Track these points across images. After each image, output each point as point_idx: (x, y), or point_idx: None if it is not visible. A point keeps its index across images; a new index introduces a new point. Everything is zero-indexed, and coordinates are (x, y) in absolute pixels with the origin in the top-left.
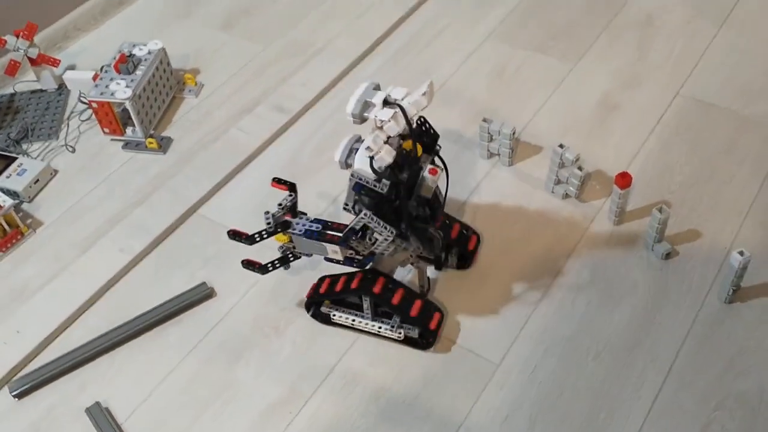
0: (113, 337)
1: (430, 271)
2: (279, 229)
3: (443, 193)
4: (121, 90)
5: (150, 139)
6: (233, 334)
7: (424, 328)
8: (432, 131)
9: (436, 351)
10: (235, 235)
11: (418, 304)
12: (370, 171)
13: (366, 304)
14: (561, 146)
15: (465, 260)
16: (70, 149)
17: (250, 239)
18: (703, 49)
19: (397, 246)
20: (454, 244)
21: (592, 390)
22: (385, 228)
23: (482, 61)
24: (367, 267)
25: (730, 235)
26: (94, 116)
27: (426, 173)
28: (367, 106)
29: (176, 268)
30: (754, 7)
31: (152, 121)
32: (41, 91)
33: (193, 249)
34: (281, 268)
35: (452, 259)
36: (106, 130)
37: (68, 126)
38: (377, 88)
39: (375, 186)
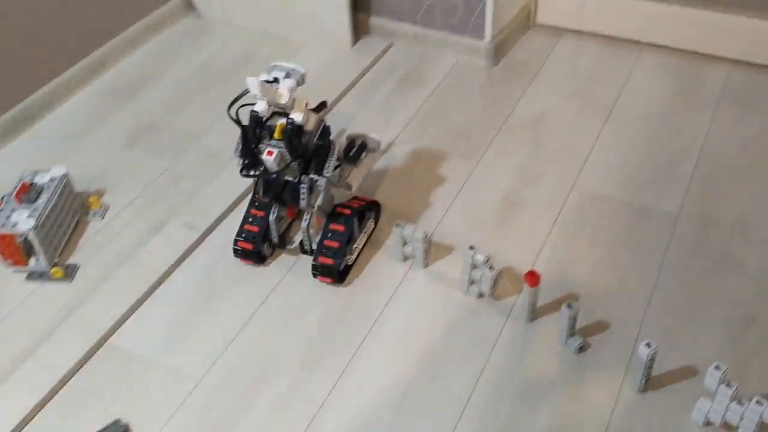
0: None
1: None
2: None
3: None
4: (23, 221)
5: (55, 269)
6: None
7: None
8: (298, 139)
9: None
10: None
11: None
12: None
13: None
14: (471, 248)
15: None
16: None
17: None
18: (592, 143)
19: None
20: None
21: None
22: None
23: (390, 164)
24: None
25: (636, 324)
26: None
27: (264, 154)
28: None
29: (88, 405)
30: (632, 102)
31: (57, 249)
32: None
33: (106, 383)
34: None
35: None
36: (9, 261)
37: None
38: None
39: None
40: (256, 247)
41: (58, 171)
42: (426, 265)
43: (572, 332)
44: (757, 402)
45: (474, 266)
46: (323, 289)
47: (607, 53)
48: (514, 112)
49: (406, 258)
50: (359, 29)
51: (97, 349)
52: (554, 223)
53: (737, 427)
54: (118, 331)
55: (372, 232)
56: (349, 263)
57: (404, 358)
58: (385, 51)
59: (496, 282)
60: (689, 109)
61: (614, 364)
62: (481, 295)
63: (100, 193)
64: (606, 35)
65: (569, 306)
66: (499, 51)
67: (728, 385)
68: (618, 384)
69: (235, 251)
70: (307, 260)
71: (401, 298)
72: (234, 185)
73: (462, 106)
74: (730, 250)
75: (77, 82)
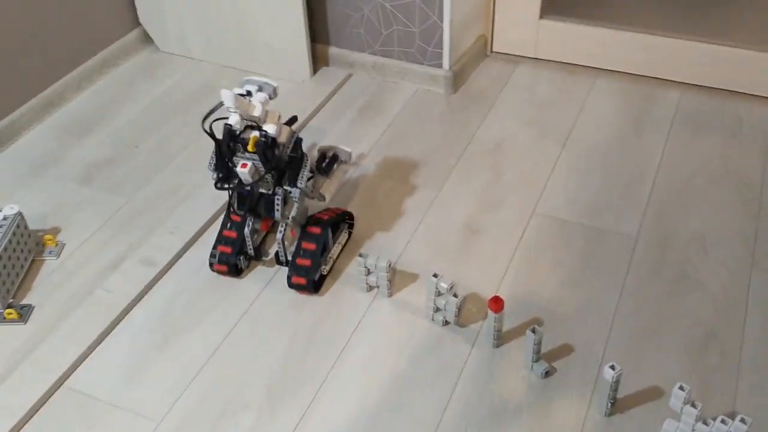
0: None
1: None
2: None
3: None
4: None
5: (8, 310)
6: None
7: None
8: (272, 151)
9: None
10: None
11: None
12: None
13: None
14: (435, 275)
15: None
16: None
17: None
18: (551, 168)
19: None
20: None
21: None
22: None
23: (353, 193)
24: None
25: (600, 346)
26: None
27: (239, 166)
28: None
29: None
30: (588, 127)
31: (10, 290)
32: None
33: (64, 426)
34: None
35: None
36: None
37: None
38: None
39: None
40: (232, 257)
41: (10, 210)
42: (390, 295)
43: (537, 357)
44: (722, 421)
45: (438, 294)
46: (287, 321)
47: (563, 80)
48: (474, 139)
49: (370, 288)
50: (318, 60)
51: (54, 391)
52: (516, 248)
53: None
54: (75, 372)
55: (346, 242)
56: (324, 273)
57: (370, 389)
58: (344, 81)
59: (460, 309)
60: (644, 133)
61: (580, 388)
62: (446, 323)
63: (55, 231)
64: (561, 62)
65: (534, 331)
66: (457, 79)
67: (693, 405)
68: (585, 408)
69: (212, 264)
70: (273, 292)
71: (366, 329)
72: (194, 219)
73: (422, 134)
74: (688, 269)
75: (31, 118)
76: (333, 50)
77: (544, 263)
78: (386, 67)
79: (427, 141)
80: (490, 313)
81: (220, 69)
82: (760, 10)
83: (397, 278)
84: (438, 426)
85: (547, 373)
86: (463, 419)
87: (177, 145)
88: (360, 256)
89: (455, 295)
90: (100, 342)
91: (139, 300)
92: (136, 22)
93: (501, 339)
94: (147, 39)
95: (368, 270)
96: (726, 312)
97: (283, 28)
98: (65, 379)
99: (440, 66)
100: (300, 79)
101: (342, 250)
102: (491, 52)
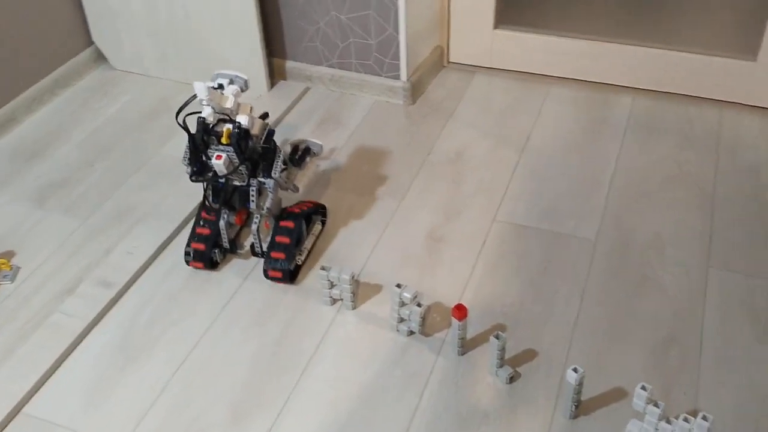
0: None
1: None
2: None
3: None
4: None
5: None
6: None
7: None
8: (246, 142)
9: None
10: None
11: None
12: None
13: None
14: (398, 286)
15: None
16: None
17: None
18: (510, 176)
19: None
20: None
21: None
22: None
23: None
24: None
25: (563, 350)
26: None
27: (214, 158)
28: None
29: None
30: (545, 134)
31: None
32: None
33: None
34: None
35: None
36: None
37: None
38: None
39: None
40: (207, 249)
41: None
42: (354, 307)
43: (502, 363)
44: (685, 419)
45: (402, 304)
46: (250, 338)
47: (519, 88)
48: (434, 149)
49: (333, 301)
50: (275, 74)
51: (12, 418)
52: (478, 255)
53: None
54: (33, 398)
55: (320, 234)
56: (299, 263)
57: (337, 403)
58: (302, 94)
59: (425, 318)
60: (599, 138)
61: (545, 392)
62: (411, 333)
63: (9, 255)
64: (517, 71)
65: (497, 337)
66: (415, 90)
67: (656, 404)
68: (550, 411)
69: (186, 254)
70: (235, 307)
71: (331, 342)
72: (152, 238)
73: (382, 145)
74: (647, 271)
75: None
76: (290, 64)
77: (506, 270)
78: (344, 79)
79: (388, 152)
80: (454, 321)
81: (175, 85)
82: (707, 14)
83: (360, 290)
84: None
85: (512, 379)
86: (431, 429)
87: (133, 163)
88: (323, 269)
89: (419, 305)
90: (59, 366)
91: (98, 322)
92: (89, 41)
93: (465, 347)
94: (100, 57)
95: (331, 283)
96: (685, 312)
97: (238, 42)
98: (23, 406)
99: (398, 77)
100: (257, 94)
101: (316, 241)
102: (448, 62)
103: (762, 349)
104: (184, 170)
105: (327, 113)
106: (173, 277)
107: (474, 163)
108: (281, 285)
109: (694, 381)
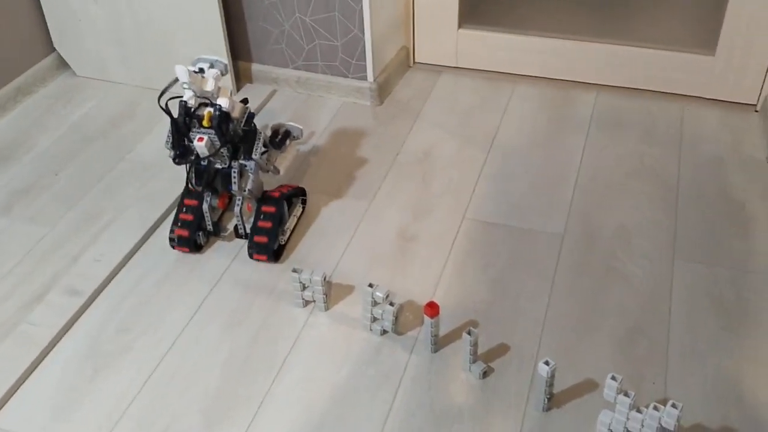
0: None
1: None
2: None
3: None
4: None
5: None
6: None
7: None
8: (227, 125)
9: None
10: None
11: None
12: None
13: None
14: (370, 285)
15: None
16: None
17: None
18: (477, 174)
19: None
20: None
21: None
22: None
23: None
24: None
25: (534, 344)
26: None
27: (195, 140)
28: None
29: None
30: (511, 132)
31: None
32: None
33: None
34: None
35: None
36: None
37: None
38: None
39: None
40: (191, 234)
41: None
42: (327, 308)
43: (475, 358)
44: (655, 408)
45: (374, 303)
46: (222, 344)
47: (485, 87)
48: (402, 149)
49: (306, 303)
50: (241, 77)
51: None
52: (449, 253)
53: None
54: (1, 410)
55: (301, 215)
56: (282, 243)
57: (311, 404)
58: (269, 97)
59: (397, 317)
60: (564, 134)
61: (517, 386)
62: (384, 332)
63: None
64: (482, 70)
65: (469, 333)
66: (382, 91)
67: (626, 394)
68: (523, 405)
69: (171, 239)
70: (207, 315)
71: (304, 345)
72: (119, 244)
73: (351, 146)
74: (614, 263)
75: None
76: (256, 67)
77: (476, 267)
78: (311, 81)
79: (356, 153)
80: (427, 319)
81: (139, 90)
82: (667, 11)
83: (332, 291)
84: None
85: (485, 374)
86: (406, 427)
87: (98, 170)
88: (294, 271)
89: (391, 304)
90: (27, 378)
91: (66, 331)
92: (51, 48)
93: (438, 344)
94: (63, 64)
95: (303, 285)
96: (652, 302)
97: (202, 46)
98: None
99: (365, 78)
100: None
101: (298, 222)
102: (414, 63)
103: (728, 337)
104: (153, 173)
105: (294, 115)
106: (142, 283)
107: (442, 162)
108: (252, 289)
109: (663, 370)
